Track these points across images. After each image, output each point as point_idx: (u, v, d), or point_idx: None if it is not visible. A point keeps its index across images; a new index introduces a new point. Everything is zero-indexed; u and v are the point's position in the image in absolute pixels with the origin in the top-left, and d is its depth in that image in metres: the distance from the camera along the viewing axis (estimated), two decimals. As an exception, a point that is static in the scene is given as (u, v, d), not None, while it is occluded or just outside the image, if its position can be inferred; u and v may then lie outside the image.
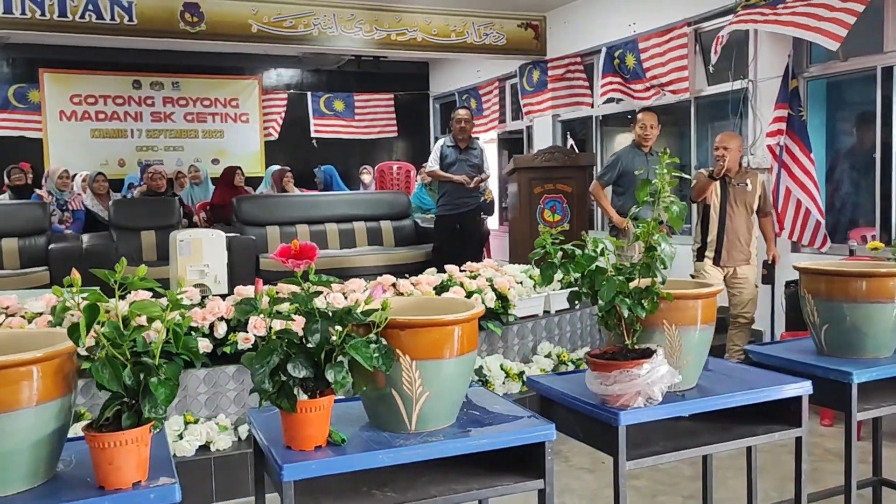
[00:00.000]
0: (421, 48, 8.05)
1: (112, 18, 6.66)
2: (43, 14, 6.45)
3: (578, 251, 1.96)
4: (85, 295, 1.46)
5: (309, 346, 1.62)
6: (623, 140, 7.69)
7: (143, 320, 1.52)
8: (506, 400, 2.05)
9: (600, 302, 1.89)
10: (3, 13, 6.33)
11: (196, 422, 3.37)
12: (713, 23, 6.28)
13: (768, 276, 5.20)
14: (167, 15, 6.83)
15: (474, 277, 4.30)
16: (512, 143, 10.09)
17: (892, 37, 5.13)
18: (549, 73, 8.21)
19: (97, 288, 1.50)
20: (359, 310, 1.68)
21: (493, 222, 9.04)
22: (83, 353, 1.49)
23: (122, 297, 1.50)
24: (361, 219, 7.57)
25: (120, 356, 1.47)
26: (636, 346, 1.96)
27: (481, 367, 4.05)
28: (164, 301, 1.58)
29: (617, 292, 1.88)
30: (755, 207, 5.03)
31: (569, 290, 2.09)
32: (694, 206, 5.39)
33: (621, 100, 7.40)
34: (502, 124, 9.89)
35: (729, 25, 5.49)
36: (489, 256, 7.74)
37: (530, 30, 8.43)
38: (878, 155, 5.28)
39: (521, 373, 4.15)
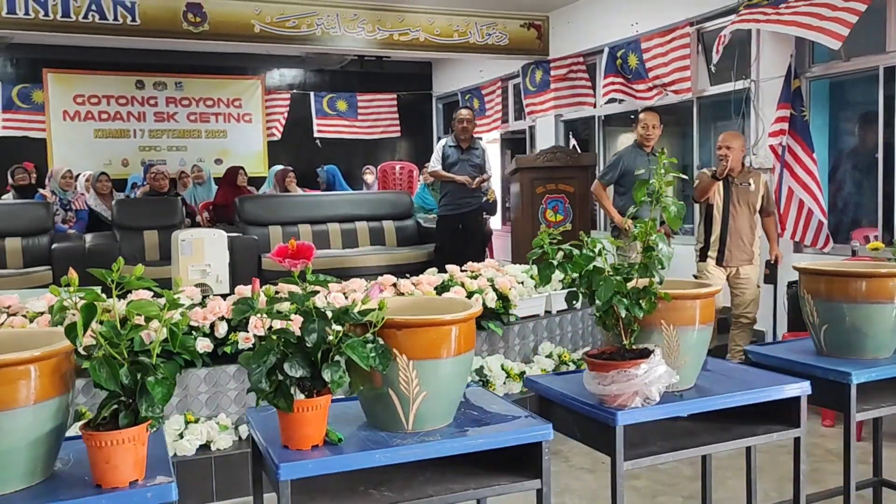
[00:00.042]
0: (423, 48, 8.06)
1: (115, 19, 6.67)
2: (46, 14, 6.47)
3: (576, 251, 1.96)
4: (82, 294, 1.47)
5: (306, 345, 1.63)
6: (626, 140, 7.68)
7: (140, 319, 1.52)
8: (504, 400, 2.05)
9: (597, 302, 1.89)
10: (7, 13, 6.35)
11: (197, 421, 3.38)
12: (716, 23, 6.27)
13: (770, 277, 5.19)
14: (170, 15, 6.85)
15: (475, 277, 4.30)
16: (514, 143, 10.08)
17: (894, 37, 5.11)
18: (552, 73, 8.21)
19: (97, 287, 1.50)
20: (356, 309, 1.68)
21: (496, 222, 9.04)
22: (83, 352, 1.50)
23: (122, 297, 1.51)
24: (364, 219, 7.58)
25: (117, 355, 1.47)
26: (634, 347, 1.96)
27: (482, 367, 4.06)
28: (161, 301, 1.59)
29: (614, 292, 1.88)
30: (758, 207, 5.02)
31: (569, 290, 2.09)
32: (696, 207, 5.38)
33: (623, 100, 7.40)
34: (505, 124, 9.89)
35: (731, 25, 5.48)
36: (492, 256, 7.74)
37: (533, 30, 8.43)
38: (880, 155, 5.27)
39: (522, 373, 4.15)
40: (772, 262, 5.15)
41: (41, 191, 7.43)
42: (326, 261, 6.75)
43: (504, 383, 4.08)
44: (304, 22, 7.35)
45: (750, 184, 4.98)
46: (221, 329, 3.41)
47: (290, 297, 1.66)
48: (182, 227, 6.76)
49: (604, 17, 7.59)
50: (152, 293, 1.65)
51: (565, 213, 6.36)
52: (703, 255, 5.09)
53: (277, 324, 1.72)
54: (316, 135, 10.78)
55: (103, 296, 1.48)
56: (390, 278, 4.01)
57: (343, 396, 1.95)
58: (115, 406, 1.49)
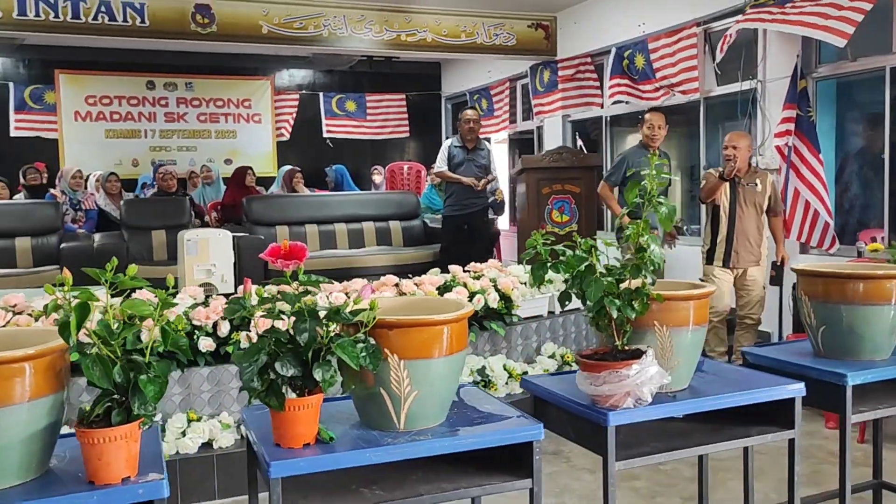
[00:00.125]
0: (431, 49, 8.07)
1: (124, 20, 6.73)
2: (56, 16, 6.53)
3: (569, 251, 1.97)
4: (76, 293, 1.49)
5: (298, 345, 1.64)
6: (633, 140, 7.67)
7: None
8: (498, 400, 2.06)
9: (588, 303, 1.90)
10: (18, 15, 6.42)
11: (199, 419, 3.41)
12: (722, 23, 6.25)
13: (776, 278, 5.16)
14: (178, 16, 6.90)
15: (478, 278, 4.31)
16: (522, 144, 10.08)
17: (901, 37, 5.09)
18: (560, 73, 8.21)
19: (97, 288, 1.53)
20: (347, 309, 1.70)
21: (504, 222, 9.04)
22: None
23: (118, 296, 1.53)
24: (370, 219, 7.60)
25: (110, 354, 1.49)
26: (626, 347, 1.97)
27: (484, 368, 4.07)
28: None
29: (605, 293, 1.88)
30: (765, 208, 4.99)
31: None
32: (703, 207, 5.36)
33: (629, 101, 7.39)
34: (513, 125, 9.89)
35: (736, 24, 5.47)
36: (500, 256, 7.75)
37: (540, 30, 8.42)
38: (886, 156, 5.24)
39: (525, 373, 4.16)
40: (778, 263, 5.13)
41: (52, 191, 7.50)
42: (332, 261, 6.78)
43: (506, 383, 4.09)
44: (311, 23, 7.39)
45: (757, 184, 4.95)
46: (224, 328, 3.44)
47: (282, 297, 1.67)
48: (190, 226, 6.80)
49: (611, 17, 7.58)
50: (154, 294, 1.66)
51: (571, 214, 6.36)
52: (709, 258, 5.05)
53: (280, 324, 1.73)
54: (325, 135, 10.82)
55: (97, 295, 1.50)
56: (392, 278, 4.03)
57: (339, 395, 1.97)
58: (109, 404, 1.51)
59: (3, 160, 8.91)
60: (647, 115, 5.65)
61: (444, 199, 6.72)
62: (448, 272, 4.37)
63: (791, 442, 2.15)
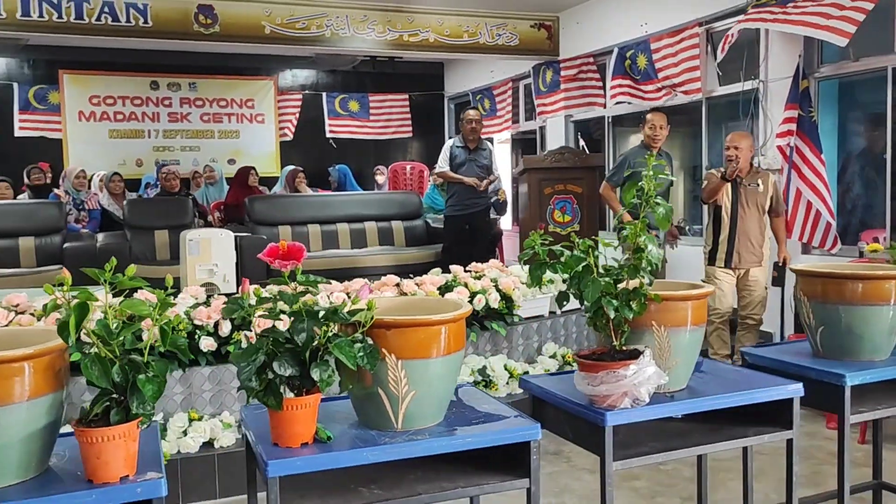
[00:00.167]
0: (433, 49, 8.08)
1: (127, 20, 6.75)
2: (60, 16, 6.56)
3: (567, 252, 1.97)
4: (75, 293, 1.50)
5: (296, 344, 1.65)
6: (636, 140, 7.67)
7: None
8: (496, 400, 2.07)
9: (586, 303, 1.90)
10: (22, 16, 6.45)
11: (200, 419, 3.42)
12: (725, 23, 6.24)
13: (779, 279, 5.15)
14: (181, 17, 6.92)
15: (479, 278, 4.32)
16: (525, 144, 10.09)
17: (903, 37, 5.09)
18: (562, 73, 8.21)
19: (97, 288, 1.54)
20: (345, 310, 1.71)
21: (506, 222, 9.05)
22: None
23: (119, 295, 1.54)
24: (373, 219, 7.62)
25: (109, 353, 1.50)
26: (624, 347, 1.97)
27: (485, 367, 4.07)
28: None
29: (603, 293, 1.89)
30: (767, 208, 4.99)
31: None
32: (705, 208, 5.36)
33: (630, 102, 7.39)
34: (516, 125, 9.89)
35: (738, 24, 5.46)
36: (502, 256, 7.75)
37: (543, 30, 8.43)
38: (888, 156, 5.23)
39: (525, 373, 4.16)
40: (780, 264, 5.12)
41: (55, 191, 7.53)
42: (334, 261, 6.80)
43: (507, 383, 4.09)
44: (314, 23, 7.40)
45: (759, 184, 4.94)
46: (225, 328, 3.45)
47: (280, 297, 1.68)
48: (193, 226, 6.83)
49: (613, 17, 7.58)
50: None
51: (573, 214, 6.36)
52: (711, 259, 5.04)
53: (281, 324, 1.74)
54: (328, 135, 10.83)
55: (96, 295, 1.51)
56: (393, 278, 4.04)
57: (337, 395, 1.97)
58: (107, 403, 1.52)
59: (8, 160, 8.94)
60: (648, 116, 5.65)
61: (446, 199, 6.72)
62: (450, 272, 4.38)
63: (789, 442, 2.15)
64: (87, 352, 1.50)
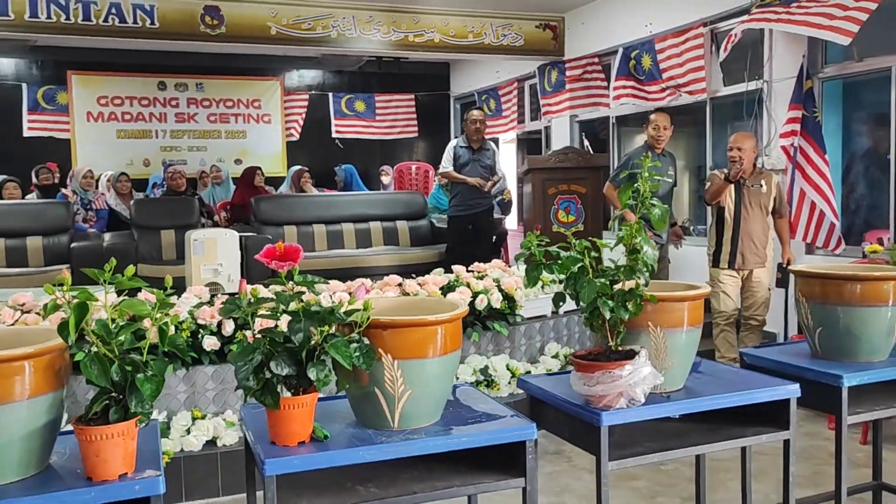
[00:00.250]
0: (439, 49, 8.10)
1: (134, 22, 6.80)
2: (67, 18, 6.60)
3: (563, 252, 1.99)
4: (75, 293, 1.53)
5: (293, 344, 1.67)
6: (641, 141, 7.66)
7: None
8: (492, 399, 2.08)
9: (582, 304, 1.92)
10: (30, 17, 6.50)
11: (204, 417, 3.45)
12: (729, 23, 6.24)
13: (782, 280, 5.14)
14: (188, 18, 6.96)
15: (481, 278, 4.33)
16: (530, 144, 10.10)
17: (907, 37, 5.08)
18: (567, 73, 8.21)
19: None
20: (342, 310, 1.72)
21: (511, 222, 9.06)
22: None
23: (121, 295, 1.57)
24: (377, 219, 7.64)
25: (108, 353, 1.53)
26: (620, 348, 1.98)
27: (487, 367, 4.09)
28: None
29: (599, 294, 1.90)
30: (770, 209, 4.98)
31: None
32: (708, 209, 5.35)
33: (634, 103, 7.39)
34: (521, 125, 9.90)
35: (741, 24, 5.46)
36: (507, 256, 7.76)
37: (548, 30, 8.44)
38: (892, 156, 5.22)
39: (528, 373, 4.18)
40: (784, 265, 5.11)
41: (63, 190, 7.58)
42: (339, 260, 6.82)
43: (509, 383, 4.11)
44: (320, 24, 7.43)
45: (762, 185, 4.94)
46: (228, 327, 3.48)
47: (277, 297, 1.70)
48: (199, 226, 6.86)
49: (618, 17, 7.58)
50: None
51: (577, 214, 6.37)
52: (714, 260, 5.04)
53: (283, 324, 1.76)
54: (334, 135, 10.87)
55: (95, 295, 1.54)
56: (395, 278, 4.06)
57: (335, 394, 1.99)
58: (106, 402, 1.54)
59: (16, 160, 9.00)
60: (652, 116, 5.65)
61: (449, 199, 6.74)
62: (451, 272, 4.39)
63: (786, 443, 2.16)
64: (86, 351, 1.52)
